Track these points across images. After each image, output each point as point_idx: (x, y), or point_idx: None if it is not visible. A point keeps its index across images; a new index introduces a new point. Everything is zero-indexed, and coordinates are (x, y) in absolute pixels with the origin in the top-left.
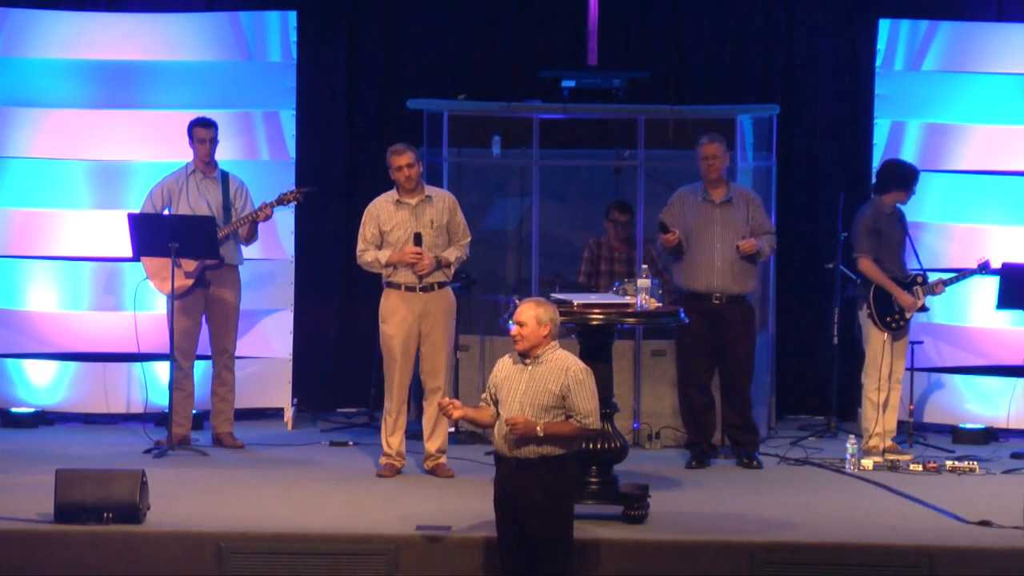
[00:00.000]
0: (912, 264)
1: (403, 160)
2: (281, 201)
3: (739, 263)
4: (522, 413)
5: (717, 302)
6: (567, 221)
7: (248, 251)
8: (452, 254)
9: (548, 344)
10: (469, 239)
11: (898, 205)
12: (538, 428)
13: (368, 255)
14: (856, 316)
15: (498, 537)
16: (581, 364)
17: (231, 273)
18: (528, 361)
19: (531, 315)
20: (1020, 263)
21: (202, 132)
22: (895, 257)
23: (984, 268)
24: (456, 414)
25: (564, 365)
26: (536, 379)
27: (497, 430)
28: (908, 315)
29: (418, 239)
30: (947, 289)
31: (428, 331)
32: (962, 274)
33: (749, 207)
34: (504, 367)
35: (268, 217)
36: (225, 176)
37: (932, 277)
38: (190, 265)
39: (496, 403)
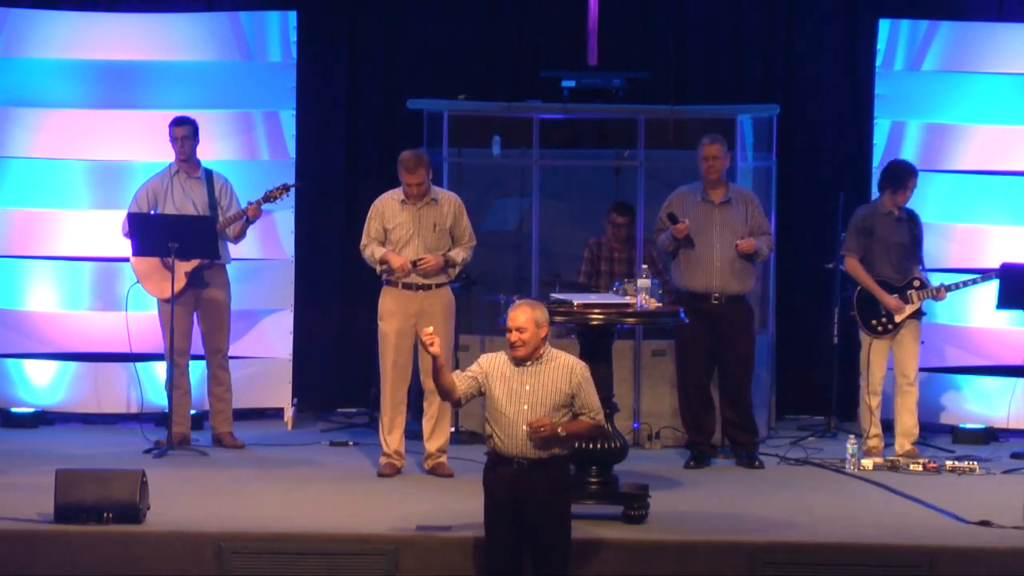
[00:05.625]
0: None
1: (414, 179)
2: (268, 199)
3: (738, 262)
4: (531, 414)
5: (716, 302)
6: (567, 221)
7: (248, 250)
8: (459, 255)
9: (544, 345)
10: (474, 243)
11: (906, 207)
12: (559, 429)
13: (368, 250)
14: None
15: (491, 539)
16: (581, 362)
17: (220, 272)
18: (529, 363)
19: (529, 319)
20: (1020, 263)
21: (178, 130)
22: (890, 258)
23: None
24: (434, 349)
25: (568, 365)
26: (542, 380)
27: (502, 432)
28: (897, 319)
29: (413, 265)
30: (948, 295)
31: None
32: (970, 282)
33: (748, 207)
34: (498, 366)
35: (258, 216)
36: (209, 174)
37: (935, 279)
38: (187, 266)
39: (485, 396)
